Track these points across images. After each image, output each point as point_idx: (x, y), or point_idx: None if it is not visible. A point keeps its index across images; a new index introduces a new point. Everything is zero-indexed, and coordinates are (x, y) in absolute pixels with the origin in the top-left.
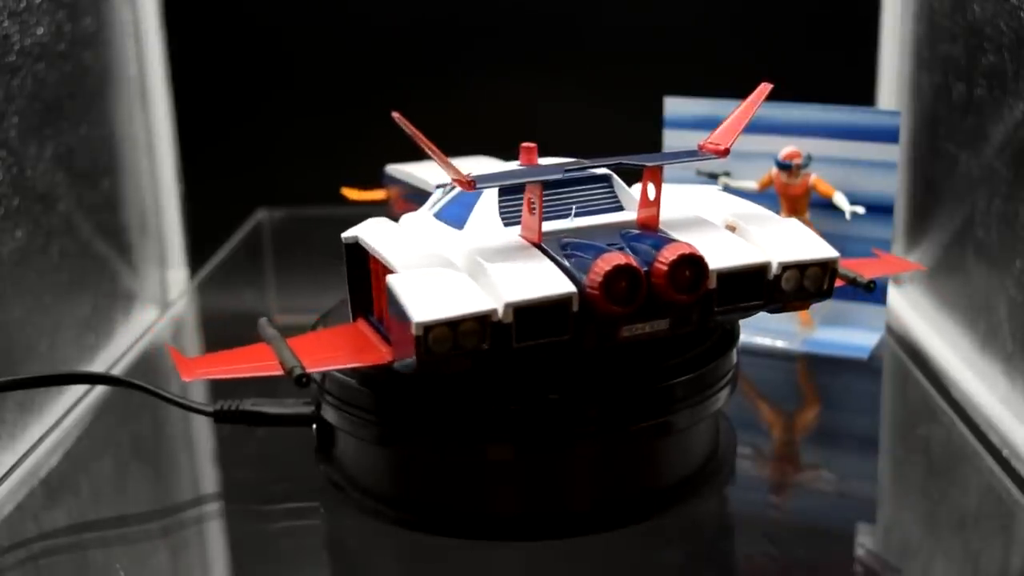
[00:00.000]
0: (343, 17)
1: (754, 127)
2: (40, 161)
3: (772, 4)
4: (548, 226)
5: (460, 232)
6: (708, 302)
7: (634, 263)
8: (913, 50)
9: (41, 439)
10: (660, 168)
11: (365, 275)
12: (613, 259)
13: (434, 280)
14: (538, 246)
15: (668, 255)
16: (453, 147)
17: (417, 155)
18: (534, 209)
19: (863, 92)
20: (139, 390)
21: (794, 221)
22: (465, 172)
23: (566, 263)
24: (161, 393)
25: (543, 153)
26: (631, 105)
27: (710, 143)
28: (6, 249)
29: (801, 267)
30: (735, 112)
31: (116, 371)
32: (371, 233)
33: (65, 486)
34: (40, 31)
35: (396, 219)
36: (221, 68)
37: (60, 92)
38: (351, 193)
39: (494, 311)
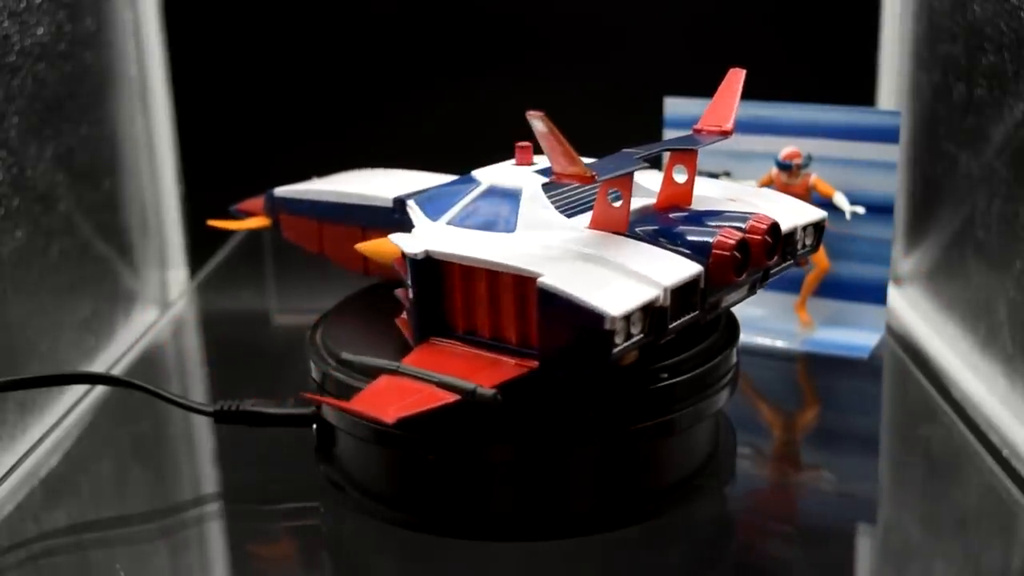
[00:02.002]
0: (343, 17)
1: (754, 127)
2: (40, 161)
3: (772, 4)
4: (579, 220)
5: (514, 234)
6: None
7: (745, 236)
8: (913, 50)
9: (41, 439)
10: (696, 152)
11: (437, 292)
12: (735, 235)
13: (589, 276)
14: (628, 235)
15: (760, 224)
16: (454, 147)
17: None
18: (618, 200)
19: (863, 92)
20: (139, 390)
21: (777, 192)
22: (374, 184)
23: (670, 246)
24: (161, 393)
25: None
26: (631, 105)
27: (709, 126)
28: (6, 249)
29: (811, 227)
30: (720, 98)
31: (116, 371)
32: (445, 245)
33: (65, 486)
34: (40, 31)
35: (287, 244)
36: (221, 68)
37: (60, 92)
38: (225, 224)
39: (658, 297)
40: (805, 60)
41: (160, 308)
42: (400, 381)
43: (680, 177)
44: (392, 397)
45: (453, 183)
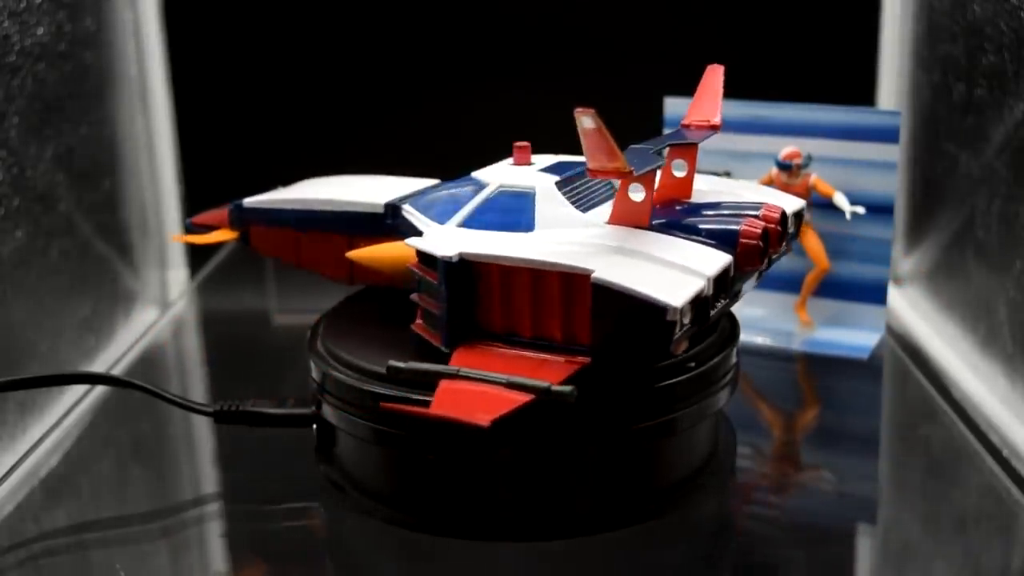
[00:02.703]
0: (343, 18)
1: (754, 127)
2: (40, 161)
3: (772, 4)
4: (594, 215)
5: (534, 233)
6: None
7: (767, 225)
8: (913, 50)
9: (41, 439)
10: (697, 146)
11: (471, 294)
12: (759, 224)
13: (639, 270)
14: (652, 228)
15: (773, 213)
16: (455, 147)
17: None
18: (642, 196)
19: (863, 92)
20: (139, 390)
21: (749, 183)
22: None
23: (695, 238)
24: (161, 393)
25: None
26: (631, 105)
27: (698, 121)
28: (6, 249)
29: (796, 215)
30: (703, 94)
31: (116, 371)
32: (477, 247)
33: (65, 486)
34: (40, 31)
35: (260, 256)
36: (221, 68)
37: (60, 92)
38: (190, 239)
39: (704, 287)
40: (805, 60)
41: (160, 308)
42: (466, 385)
43: (679, 172)
44: (470, 401)
45: (452, 185)
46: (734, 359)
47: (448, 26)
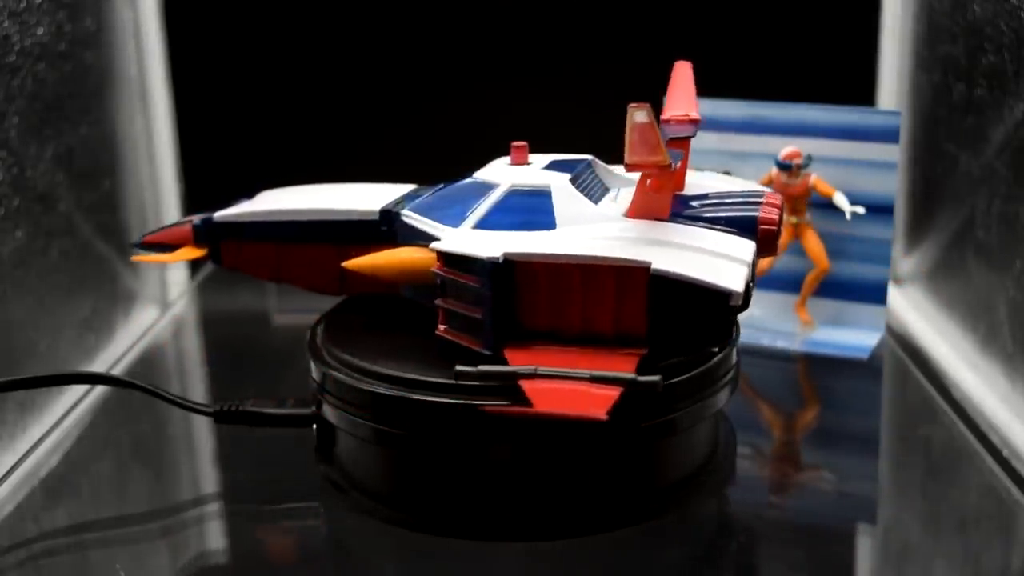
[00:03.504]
0: (343, 18)
1: (754, 127)
2: (40, 161)
3: (772, 4)
4: (602, 208)
5: (558, 231)
6: None
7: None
8: (913, 50)
9: (41, 439)
10: (690, 139)
11: (512, 295)
12: (773, 210)
13: (690, 259)
14: (671, 220)
15: (775, 201)
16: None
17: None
18: (662, 190)
19: (863, 92)
20: (139, 390)
21: (716, 173)
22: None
23: (714, 227)
24: (161, 393)
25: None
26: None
27: (675, 115)
28: (6, 249)
29: None
30: (677, 89)
31: (116, 371)
32: (520, 247)
33: (65, 486)
34: (40, 31)
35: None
36: (221, 68)
37: (60, 92)
38: (150, 259)
39: (748, 271)
40: (805, 60)
41: (160, 308)
42: (551, 383)
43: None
44: (569, 398)
45: (452, 188)
46: (734, 359)
47: (448, 28)
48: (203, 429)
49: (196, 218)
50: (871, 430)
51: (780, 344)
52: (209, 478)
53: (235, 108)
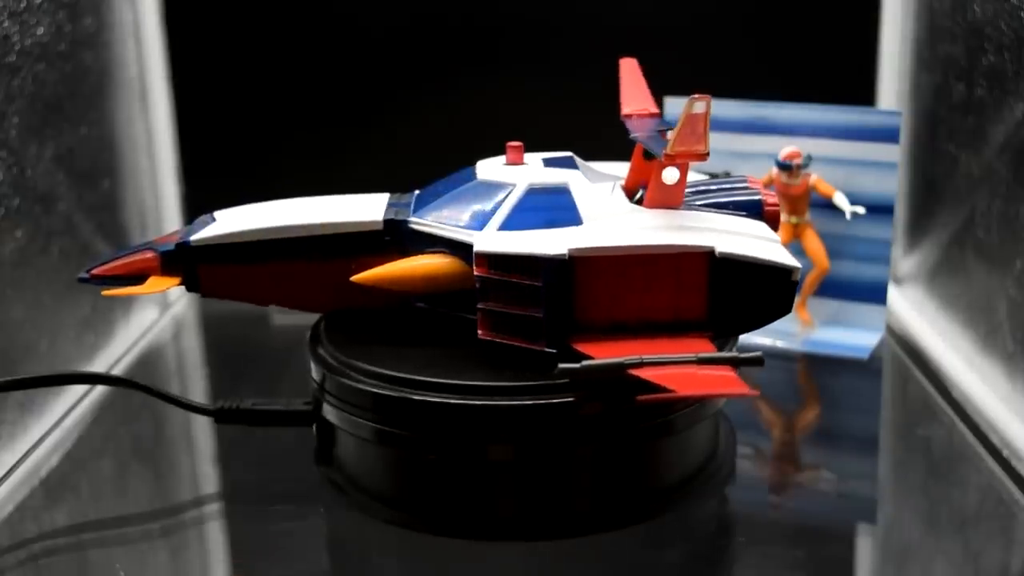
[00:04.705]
0: (344, 19)
1: (754, 127)
2: (40, 161)
3: (772, 4)
4: (617, 202)
5: (584, 226)
6: None
7: None
8: (913, 50)
9: (41, 439)
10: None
11: (570, 291)
12: (770, 192)
13: (741, 242)
14: (685, 208)
15: (758, 182)
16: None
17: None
18: (677, 178)
19: (863, 92)
20: (139, 390)
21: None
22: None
23: (725, 212)
24: (161, 393)
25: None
26: None
27: (637, 110)
28: (6, 249)
29: None
30: (629, 86)
31: (116, 371)
32: (589, 240)
33: (65, 486)
34: (40, 31)
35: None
36: (221, 68)
37: (60, 92)
38: (119, 292)
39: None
40: (805, 60)
41: (160, 308)
42: (669, 369)
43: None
44: (699, 380)
45: (460, 191)
46: None
47: (448, 28)
48: (203, 429)
49: (158, 245)
50: (871, 430)
51: (780, 344)
52: (209, 478)
53: (235, 108)
